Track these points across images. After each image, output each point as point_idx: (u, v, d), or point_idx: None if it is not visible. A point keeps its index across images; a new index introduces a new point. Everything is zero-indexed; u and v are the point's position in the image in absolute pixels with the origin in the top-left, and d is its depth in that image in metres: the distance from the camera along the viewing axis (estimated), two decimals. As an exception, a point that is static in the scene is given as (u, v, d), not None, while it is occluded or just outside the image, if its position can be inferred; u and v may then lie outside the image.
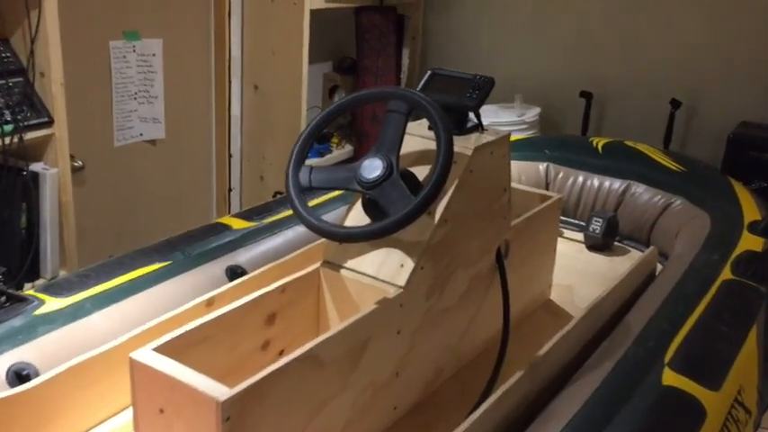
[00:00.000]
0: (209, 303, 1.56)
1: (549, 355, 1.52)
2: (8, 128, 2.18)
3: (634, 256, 2.38)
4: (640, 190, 2.48)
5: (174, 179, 3.15)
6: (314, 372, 1.27)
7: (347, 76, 3.81)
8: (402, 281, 1.46)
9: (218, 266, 1.85)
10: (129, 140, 2.88)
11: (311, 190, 1.51)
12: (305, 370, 1.25)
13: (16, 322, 1.49)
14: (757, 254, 1.98)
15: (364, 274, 1.51)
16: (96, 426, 1.45)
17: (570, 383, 1.45)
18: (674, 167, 2.52)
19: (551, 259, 2.06)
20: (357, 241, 1.48)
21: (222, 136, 3.29)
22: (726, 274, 1.86)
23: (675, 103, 3.36)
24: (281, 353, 1.55)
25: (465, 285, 1.64)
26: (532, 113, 3.57)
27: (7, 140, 2.19)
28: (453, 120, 1.62)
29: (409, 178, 1.47)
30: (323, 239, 1.63)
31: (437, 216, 1.50)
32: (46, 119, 2.26)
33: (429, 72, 1.72)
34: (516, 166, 2.62)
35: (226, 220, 2.07)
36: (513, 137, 2.87)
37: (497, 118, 3.48)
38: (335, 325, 1.57)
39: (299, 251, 1.77)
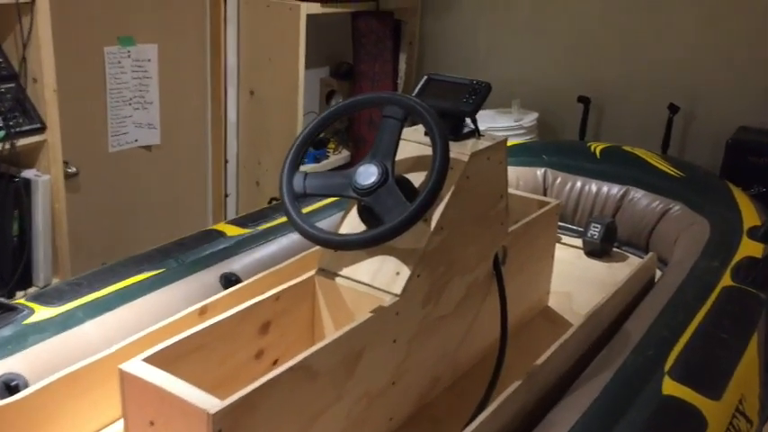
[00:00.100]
0: (203, 312, 1.54)
1: (547, 365, 1.50)
2: (0, 134, 2.16)
3: (633, 262, 2.36)
4: (639, 195, 2.46)
5: (170, 185, 3.12)
6: (307, 382, 1.25)
7: (344, 82, 3.79)
8: (398, 289, 1.44)
9: (211, 274, 1.83)
10: (123, 146, 2.86)
11: (305, 197, 1.49)
12: (298, 381, 1.23)
13: (5, 332, 1.47)
14: (757, 260, 1.96)
15: (360, 281, 1.49)
16: (87, 437, 1.43)
17: (569, 393, 1.43)
18: (672, 173, 2.50)
19: (549, 266, 2.04)
20: (352, 249, 1.46)
21: (218, 141, 3.27)
22: (726, 280, 1.84)
23: (673, 108, 3.34)
24: (276, 362, 1.53)
25: (462, 293, 1.62)
26: (530, 118, 3.55)
27: (-1, 147, 2.18)
28: (449, 125, 1.61)
29: (405, 185, 1.46)
30: (318, 247, 1.61)
31: (433, 223, 1.48)
32: (38, 125, 2.24)
33: (425, 77, 1.70)
34: (514, 172, 2.60)
35: (220, 226, 2.04)
36: (511, 142, 2.86)
37: (494, 123, 3.46)
38: (330, 333, 1.54)
39: (293, 258, 1.75)
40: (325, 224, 2.08)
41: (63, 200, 2.35)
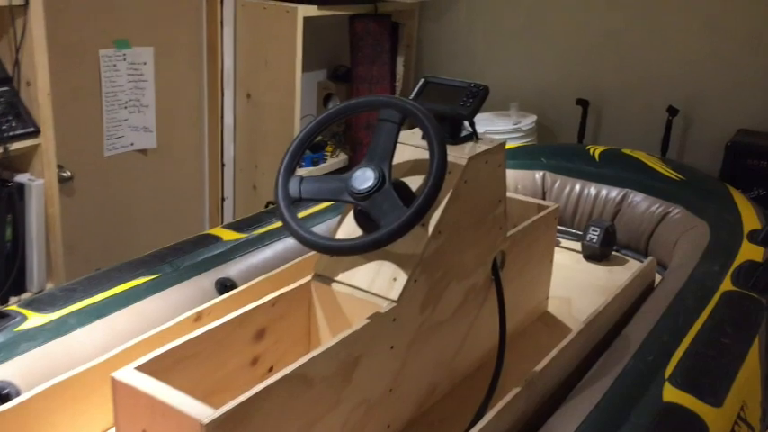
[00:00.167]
0: (197, 318, 1.52)
1: (546, 371, 1.48)
2: (-7, 138, 2.15)
3: (632, 266, 2.35)
4: (638, 199, 2.45)
5: (166, 189, 3.11)
6: (303, 390, 1.23)
7: (342, 84, 3.78)
8: (395, 294, 1.42)
9: (207, 279, 1.81)
10: (119, 150, 2.84)
11: (301, 201, 1.47)
12: (293, 389, 1.21)
13: (-3, 339, 1.45)
14: (758, 264, 1.94)
15: (356, 287, 1.47)
16: (79, 446, 1.41)
17: (568, 400, 1.41)
18: (672, 176, 2.49)
19: (548, 270, 2.02)
20: (348, 255, 1.44)
21: (215, 145, 3.25)
22: (726, 284, 1.82)
23: (673, 111, 3.33)
24: (271, 369, 1.51)
25: (460, 298, 1.60)
26: (528, 121, 3.54)
27: (-7, 151, 2.16)
28: (447, 129, 1.59)
29: (402, 189, 1.44)
30: (314, 251, 1.59)
31: (431, 228, 1.46)
32: (32, 129, 2.22)
33: (422, 80, 1.68)
34: (512, 175, 2.59)
35: (216, 231, 2.03)
36: (509, 145, 2.85)
37: (493, 126, 3.45)
38: (327, 340, 1.53)
39: (290, 263, 1.73)
40: (321, 228, 2.07)
41: (57, 204, 2.33)
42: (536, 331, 1.94)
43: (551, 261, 2.03)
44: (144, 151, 2.96)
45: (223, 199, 3.34)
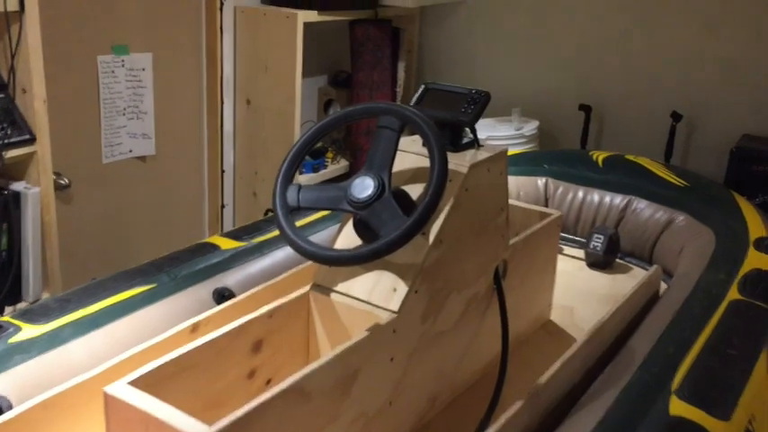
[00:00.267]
0: (194, 329, 1.49)
1: (550, 383, 1.45)
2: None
3: (637, 274, 2.32)
4: (642, 205, 2.42)
5: (165, 196, 3.08)
6: (301, 404, 1.20)
7: (342, 90, 3.75)
8: (395, 305, 1.40)
9: (204, 289, 1.78)
10: (117, 157, 2.82)
11: (299, 210, 1.44)
12: (291, 403, 1.18)
13: (-10, 351, 1.42)
14: (765, 272, 1.91)
15: (355, 298, 1.45)
16: (72, 461, 1.38)
17: (573, 413, 1.38)
18: (676, 182, 2.46)
19: (551, 279, 2.00)
20: (346, 265, 1.42)
21: (214, 152, 3.22)
22: (733, 293, 1.79)
23: (676, 116, 3.30)
24: (269, 382, 1.48)
25: (461, 309, 1.58)
26: (531, 127, 3.51)
27: (-13, 159, 2.13)
28: (448, 136, 1.57)
29: (402, 197, 1.41)
30: (313, 261, 1.56)
31: (431, 237, 1.44)
32: (28, 136, 2.19)
33: (423, 86, 1.66)
34: (514, 182, 2.56)
35: (214, 239, 2.00)
36: (511, 151, 2.83)
37: (495, 131, 3.42)
38: (326, 351, 1.50)
39: (288, 272, 1.70)
40: (322, 236, 2.05)
41: (53, 213, 2.30)
42: (539, 341, 1.92)
43: (554, 269, 2.00)
44: (143, 158, 2.93)
45: (223, 206, 3.31)
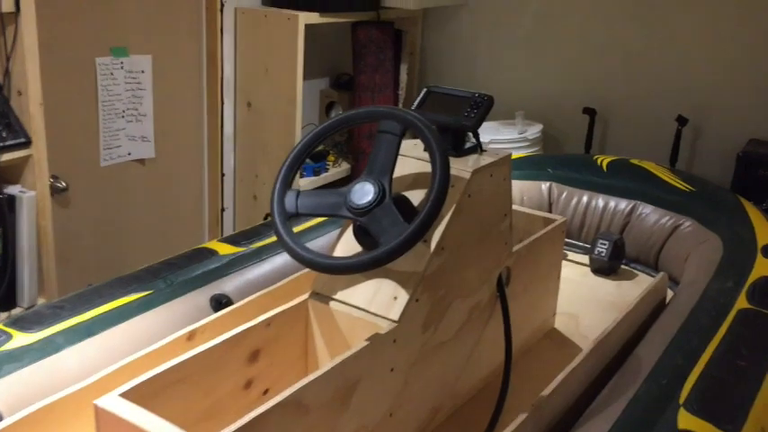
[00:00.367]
0: (190, 337, 1.46)
1: (554, 396, 1.42)
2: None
3: (642, 280, 2.28)
4: (647, 211, 2.39)
5: (165, 200, 3.05)
6: (298, 417, 1.17)
7: (344, 93, 3.72)
8: (395, 314, 1.36)
9: (202, 296, 1.75)
10: (116, 160, 2.78)
11: (298, 216, 1.41)
12: (288, 416, 1.15)
13: (-21, 360, 1.39)
14: (774, 280, 1.87)
15: (355, 306, 1.41)
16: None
17: (578, 426, 1.34)
18: (682, 187, 2.42)
19: (555, 286, 1.96)
20: (345, 273, 1.38)
21: (214, 155, 3.19)
22: (741, 302, 1.75)
23: (682, 120, 3.26)
24: (266, 392, 1.44)
25: (464, 317, 1.54)
26: (534, 130, 3.47)
27: (-18, 162, 2.10)
28: (450, 140, 1.54)
29: (403, 204, 1.38)
30: (312, 268, 1.53)
31: (433, 244, 1.40)
32: (23, 139, 2.15)
33: (425, 90, 1.63)
34: (518, 186, 2.52)
35: (212, 245, 1.96)
36: (515, 155, 2.79)
37: (498, 135, 3.39)
38: (324, 361, 1.47)
39: (287, 279, 1.67)
40: (322, 241, 2.01)
41: (49, 217, 2.27)
42: (543, 349, 1.88)
43: (558, 276, 1.96)
44: (142, 161, 2.90)
45: (223, 209, 3.28)
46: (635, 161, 2.61)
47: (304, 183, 3.28)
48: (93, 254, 2.77)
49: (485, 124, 3.37)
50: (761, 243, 2.07)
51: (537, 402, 1.38)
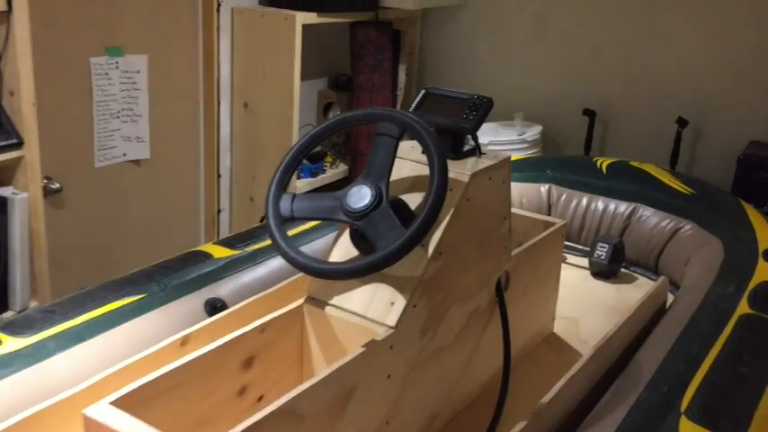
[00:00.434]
0: (184, 342, 1.43)
1: (553, 403, 1.39)
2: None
3: (642, 284, 2.26)
4: (647, 213, 2.36)
5: (160, 201, 3.02)
6: (293, 426, 1.14)
7: (343, 93, 3.70)
8: (392, 320, 1.34)
9: (196, 300, 1.72)
10: (111, 161, 2.76)
11: (293, 220, 1.39)
12: (282, 425, 1.12)
13: (-32, 366, 1.36)
14: (775, 285, 1.85)
15: (351, 312, 1.39)
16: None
17: (578, 434, 1.32)
18: (682, 190, 2.40)
19: (555, 290, 1.94)
20: (341, 279, 1.36)
21: (211, 156, 3.17)
22: (743, 307, 1.73)
23: (682, 122, 3.24)
24: (260, 399, 1.42)
25: (462, 322, 1.52)
26: (533, 132, 3.45)
27: (-27, 164, 2.07)
28: (449, 143, 1.51)
29: (400, 207, 1.35)
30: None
31: (431, 248, 1.38)
32: (15, 140, 2.13)
33: (423, 91, 1.60)
34: (517, 188, 2.50)
35: (207, 248, 1.94)
36: (514, 156, 2.77)
37: (497, 136, 3.36)
38: (320, 367, 1.45)
39: (283, 283, 1.64)
40: (316, 246, 1.99)
41: (42, 219, 2.24)
42: (542, 354, 1.86)
43: (558, 280, 1.94)
44: (137, 162, 2.87)
45: (219, 211, 3.26)
46: (635, 163, 2.59)
47: (301, 184, 3.26)
48: (87, 256, 2.74)
49: (483, 125, 3.35)
50: (762, 247, 2.05)
51: (536, 410, 1.35)
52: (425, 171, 1.44)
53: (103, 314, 1.59)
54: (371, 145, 1.37)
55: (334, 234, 1.95)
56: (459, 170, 1.45)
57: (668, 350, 1.54)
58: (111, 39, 2.66)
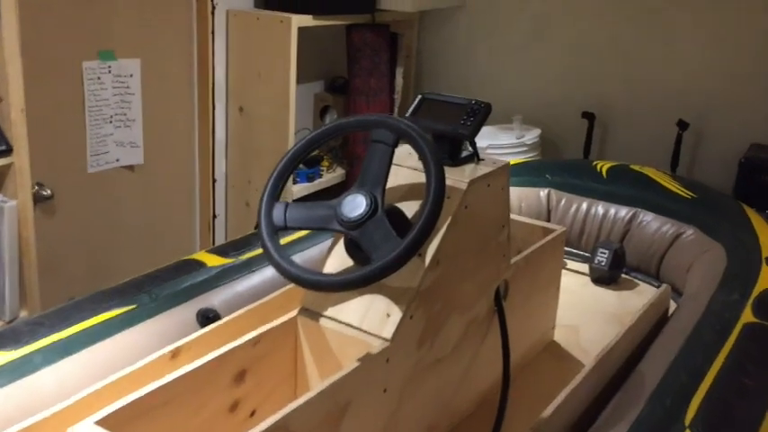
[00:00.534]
0: (174, 355, 1.40)
1: (554, 417, 1.36)
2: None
3: (643, 290, 2.22)
4: (648, 218, 2.33)
5: (154, 207, 2.98)
6: (285, 444, 1.11)
7: (339, 97, 3.66)
8: (388, 333, 1.30)
9: (188, 310, 1.69)
10: (104, 166, 2.72)
11: (286, 230, 1.35)
12: (274, 443, 1.08)
13: (-49, 381, 1.33)
14: (780, 292, 1.81)
15: (346, 324, 1.35)
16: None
17: (579, 450, 1.29)
18: (683, 194, 2.36)
19: (555, 298, 1.90)
20: (334, 291, 1.33)
21: (205, 160, 3.13)
22: (747, 316, 1.69)
23: (683, 125, 3.20)
24: (253, 413, 1.38)
25: (460, 333, 1.48)
26: (532, 135, 3.42)
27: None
28: (446, 149, 1.48)
29: (396, 216, 1.32)
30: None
31: (428, 258, 1.34)
32: (4, 147, 2.08)
33: (419, 96, 1.57)
34: (516, 193, 2.46)
35: (199, 256, 1.90)
36: (513, 160, 2.73)
37: (495, 140, 3.33)
38: (314, 380, 1.41)
39: (277, 292, 1.61)
40: (311, 253, 1.95)
41: (32, 227, 2.20)
42: (542, 363, 1.82)
43: (558, 288, 1.91)
44: (130, 167, 2.83)
45: (214, 216, 3.22)
46: (635, 167, 2.55)
47: (297, 189, 3.22)
48: (79, 264, 2.70)
49: (482, 129, 3.31)
50: (765, 252, 2.01)
51: (536, 425, 1.32)
52: (422, 178, 1.40)
53: (92, 326, 1.55)
54: (367, 153, 1.34)
55: (329, 242, 1.92)
56: (457, 177, 1.41)
57: (671, 361, 1.51)
58: (104, 42, 2.62)
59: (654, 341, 1.67)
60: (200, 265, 1.84)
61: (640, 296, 2.17)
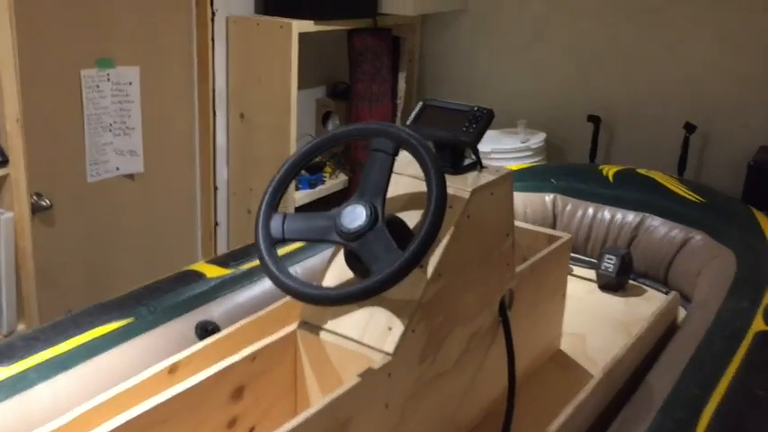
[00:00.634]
0: (173, 370, 1.36)
1: (561, 431, 1.32)
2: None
3: (651, 296, 2.19)
4: (656, 223, 2.29)
5: (155, 216, 2.95)
6: (284, 464, 1.07)
7: (341, 102, 3.63)
8: (390, 347, 1.27)
9: (186, 323, 1.66)
10: (103, 176, 2.69)
11: (284, 242, 1.32)
12: (272, 463, 1.05)
13: (-56, 399, 1.30)
14: (792, 299, 1.77)
15: (347, 337, 1.32)
16: None
17: (587, 466, 1.25)
18: (692, 198, 2.33)
19: (561, 306, 1.86)
20: (332, 305, 1.29)
21: (206, 168, 3.10)
22: (758, 324, 1.66)
23: (690, 128, 3.16)
24: (252, 431, 1.35)
25: (463, 346, 1.45)
26: (537, 139, 3.38)
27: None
28: (448, 157, 1.45)
29: (397, 227, 1.29)
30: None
31: (430, 269, 1.31)
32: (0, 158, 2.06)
33: (421, 103, 1.53)
34: (520, 198, 2.43)
35: (199, 267, 1.87)
36: (517, 165, 2.70)
37: (500, 144, 3.29)
38: (314, 397, 1.38)
39: (277, 303, 1.57)
40: (315, 261, 1.92)
41: (29, 238, 2.17)
42: (548, 374, 1.78)
43: (564, 296, 1.87)
44: (130, 176, 2.80)
45: (216, 224, 3.19)
46: (642, 171, 2.51)
47: (300, 195, 3.19)
48: (78, 276, 2.67)
49: (486, 133, 3.28)
50: (776, 258, 1.98)
51: (543, 440, 1.28)
52: (424, 187, 1.37)
53: (89, 341, 1.52)
54: (367, 162, 1.31)
55: (330, 251, 1.89)
56: (460, 186, 1.38)
57: (681, 372, 1.47)
58: (102, 50, 2.59)
59: (663, 350, 1.64)
60: (199, 276, 1.81)
61: (648, 303, 2.14)
